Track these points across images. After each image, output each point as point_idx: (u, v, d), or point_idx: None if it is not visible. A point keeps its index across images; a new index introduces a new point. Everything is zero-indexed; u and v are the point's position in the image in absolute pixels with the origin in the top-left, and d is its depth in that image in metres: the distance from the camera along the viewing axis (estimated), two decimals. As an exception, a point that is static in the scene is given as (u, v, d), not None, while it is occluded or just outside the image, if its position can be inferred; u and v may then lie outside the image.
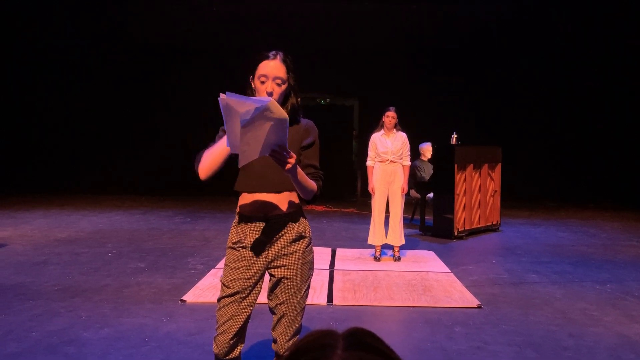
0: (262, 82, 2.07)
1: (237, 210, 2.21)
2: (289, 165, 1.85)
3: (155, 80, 11.33)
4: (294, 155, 1.86)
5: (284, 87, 2.10)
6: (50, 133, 11.60)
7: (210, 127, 2.45)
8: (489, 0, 11.21)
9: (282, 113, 1.73)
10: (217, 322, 2.14)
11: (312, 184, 2.09)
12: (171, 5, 11.28)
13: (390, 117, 5.73)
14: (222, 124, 1.83)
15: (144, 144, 11.43)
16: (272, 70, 2.07)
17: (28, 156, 11.59)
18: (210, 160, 2.02)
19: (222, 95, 1.69)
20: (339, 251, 6.36)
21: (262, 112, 1.69)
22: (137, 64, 11.34)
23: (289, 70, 2.11)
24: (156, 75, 11.34)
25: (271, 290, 2.21)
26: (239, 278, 2.13)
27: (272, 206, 2.14)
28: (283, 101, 2.12)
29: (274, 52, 2.11)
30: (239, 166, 1.85)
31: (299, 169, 1.98)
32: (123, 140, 11.49)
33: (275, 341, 2.21)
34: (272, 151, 1.81)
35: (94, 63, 11.48)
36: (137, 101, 11.43)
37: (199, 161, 2.06)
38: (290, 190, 2.16)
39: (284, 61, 2.10)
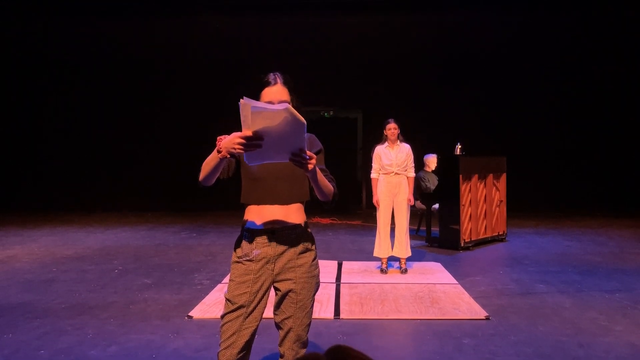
0: None
1: (243, 222, 2.21)
2: (310, 166, 1.88)
3: (160, 96, 11.41)
4: (315, 156, 1.90)
5: None
6: (56, 150, 11.68)
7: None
8: (492, 12, 11.28)
9: (300, 118, 1.76)
10: (221, 337, 2.12)
11: (330, 185, 2.13)
12: (174, 21, 11.40)
13: (392, 129, 5.72)
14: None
15: (149, 160, 11.49)
16: (275, 95, 2.11)
17: (34, 174, 11.67)
18: (204, 164, 2.04)
19: (242, 100, 1.73)
20: (345, 264, 6.34)
21: (279, 117, 1.74)
22: (141, 78, 11.43)
23: (291, 91, 2.15)
24: (160, 91, 11.42)
25: (277, 305, 2.20)
26: (245, 292, 2.12)
27: (279, 218, 2.14)
28: None
29: (273, 77, 2.14)
30: (248, 163, 1.87)
31: (318, 170, 2.02)
32: (128, 157, 11.55)
33: (282, 356, 2.20)
34: (293, 154, 1.84)
35: (98, 79, 11.59)
36: (142, 118, 11.50)
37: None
38: (297, 203, 2.18)
39: (285, 83, 2.14)
